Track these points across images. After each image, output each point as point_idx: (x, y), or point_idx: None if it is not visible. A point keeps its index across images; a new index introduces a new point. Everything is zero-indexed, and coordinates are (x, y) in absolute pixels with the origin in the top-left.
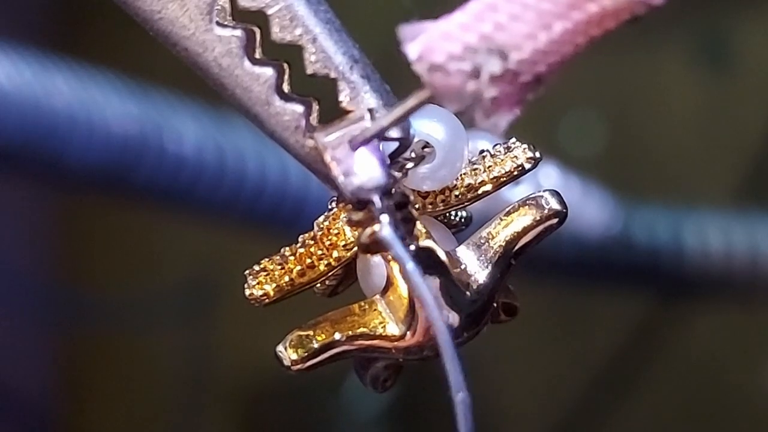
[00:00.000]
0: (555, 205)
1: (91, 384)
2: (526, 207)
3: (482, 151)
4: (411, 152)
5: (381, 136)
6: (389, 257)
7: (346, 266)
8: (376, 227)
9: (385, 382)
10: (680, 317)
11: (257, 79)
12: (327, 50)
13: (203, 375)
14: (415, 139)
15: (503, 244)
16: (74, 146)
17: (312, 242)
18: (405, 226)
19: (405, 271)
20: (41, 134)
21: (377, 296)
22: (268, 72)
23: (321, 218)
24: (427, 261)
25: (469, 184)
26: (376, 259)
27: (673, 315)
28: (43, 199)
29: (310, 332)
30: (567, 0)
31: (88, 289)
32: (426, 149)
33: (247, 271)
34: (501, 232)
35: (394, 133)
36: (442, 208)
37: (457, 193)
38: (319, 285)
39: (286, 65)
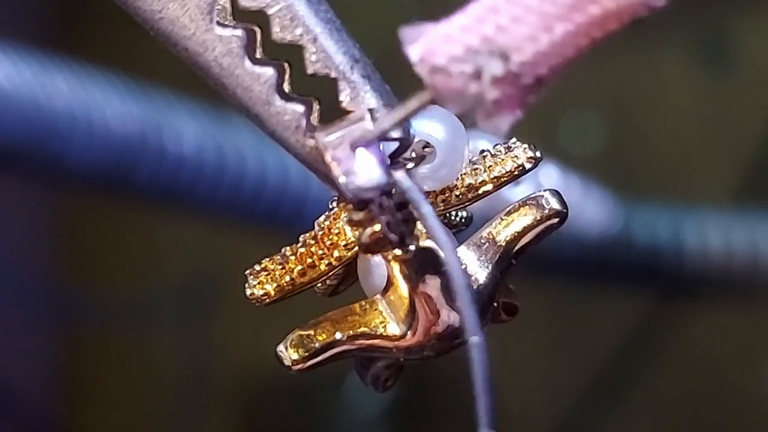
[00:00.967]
0: (555, 205)
1: (91, 384)
2: (527, 207)
3: (482, 151)
4: (411, 152)
5: (382, 138)
6: (390, 257)
7: (346, 266)
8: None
9: (386, 382)
10: (680, 316)
11: (258, 78)
12: (327, 50)
13: (203, 375)
14: (416, 139)
15: (503, 244)
16: (74, 146)
17: (313, 242)
18: (405, 226)
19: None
20: (41, 134)
21: (378, 296)
22: (269, 72)
23: (322, 218)
24: (427, 261)
25: (470, 184)
26: (377, 258)
27: (673, 314)
28: (43, 199)
29: (311, 332)
30: (569, 2)
31: (88, 289)
32: (426, 149)
33: (248, 271)
34: (501, 232)
35: (395, 133)
36: (442, 208)
37: (457, 193)
38: (319, 284)
39: (286, 65)
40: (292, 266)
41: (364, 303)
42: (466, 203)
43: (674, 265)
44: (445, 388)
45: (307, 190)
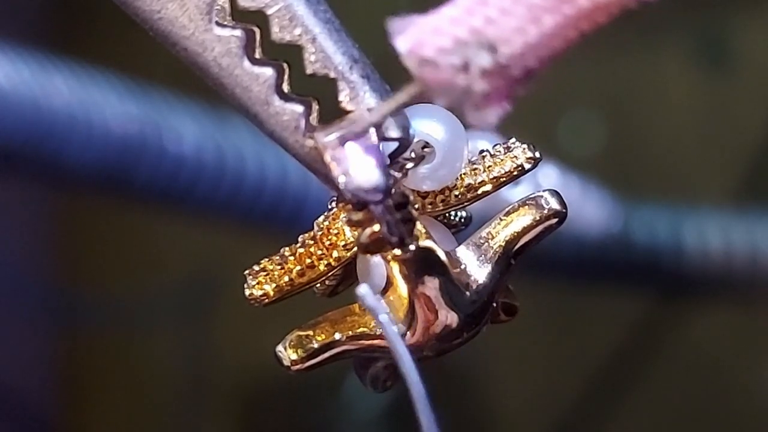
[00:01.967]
0: (555, 205)
1: (91, 384)
2: (526, 207)
3: (482, 151)
4: (411, 152)
5: (371, 130)
6: (389, 257)
7: (345, 266)
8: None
9: (385, 382)
10: (680, 316)
11: (257, 78)
12: (327, 50)
13: (203, 375)
14: (415, 139)
15: (503, 244)
16: (73, 146)
17: (312, 242)
18: (405, 226)
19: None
20: (40, 134)
21: (377, 296)
22: (268, 72)
23: (321, 218)
24: (426, 261)
25: (469, 184)
26: (376, 259)
27: (673, 314)
28: (42, 199)
29: (310, 332)
30: None
31: (88, 289)
32: (426, 149)
33: (247, 271)
34: (501, 232)
35: (394, 133)
36: (441, 208)
37: (456, 193)
38: (318, 285)
39: (285, 65)
40: (291, 267)
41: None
42: (466, 203)
43: (674, 265)
44: (445, 388)
45: (306, 191)
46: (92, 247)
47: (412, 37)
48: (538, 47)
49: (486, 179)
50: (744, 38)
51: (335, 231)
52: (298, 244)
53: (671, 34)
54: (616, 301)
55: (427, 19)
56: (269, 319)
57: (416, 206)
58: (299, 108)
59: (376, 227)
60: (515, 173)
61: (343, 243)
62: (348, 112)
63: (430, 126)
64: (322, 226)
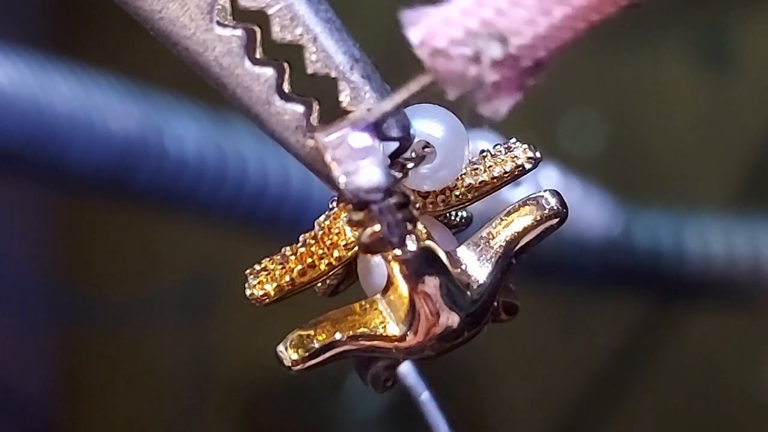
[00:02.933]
0: (555, 205)
1: (91, 384)
2: (527, 207)
3: (482, 151)
4: (411, 152)
5: (382, 121)
6: (390, 257)
7: (346, 266)
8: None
9: (386, 382)
10: (681, 320)
11: (258, 78)
12: (327, 50)
13: (203, 375)
14: (416, 139)
15: (504, 244)
16: (75, 148)
17: (313, 241)
18: (406, 226)
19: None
20: (42, 136)
21: (378, 296)
22: (269, 72)
23: (322, 217)
24: (427, 261)
25: (470, 184)
26: (377, 258)
27: (674, 317)
28: (43, 200)
29: (311, 332)
30: None
31: (89, 288)
32: (426, 149)
33: (248, 271)
34: (501, 232)
35: (395, 132)
36: (442, 208)
37: (457, 193)
38: (319, 284)
39: (286, 65)
40: (292, 266)
41: (364, 303)
42: (466, 203)
43: (675, 268)
44: (445, 388)
45: (308, 193)
46: (92, 248)
47: (424, 28)
48: (548, 38)
49: (487, 179)
50: (744, 38)
51: (336, 230)
52: (299, 244)
53: (672, 35)
54: (617, 304)
55: (438, 10)
56: (270, 319)
57: (417, 206)
58: (300, 108)
59: (377, 227)
60: (516, 173)
61: (344, 242)
62: (348, 112)
63: (430, 126)
64: (323, 225)
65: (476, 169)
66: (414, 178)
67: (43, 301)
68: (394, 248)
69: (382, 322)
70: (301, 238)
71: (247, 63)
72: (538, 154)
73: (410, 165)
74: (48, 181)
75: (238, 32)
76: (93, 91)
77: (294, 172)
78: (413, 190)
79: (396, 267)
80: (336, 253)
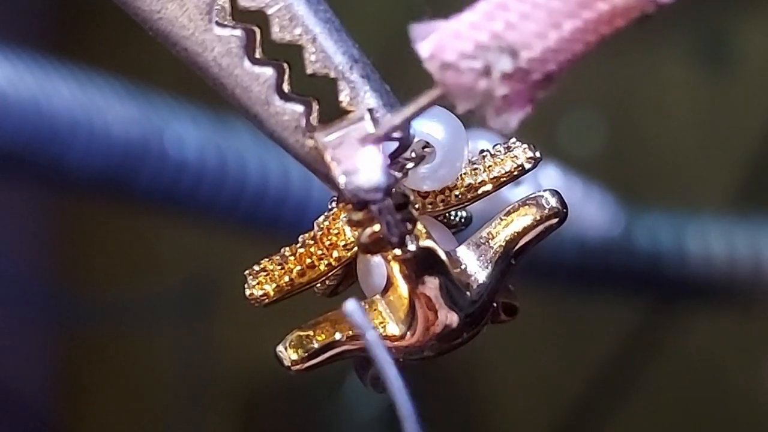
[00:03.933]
0: (555, 204)
1: (91, 384)
2: (527, 207)
3: (482, 151)
4: (411, 152)
5: (391, 134)
6: (389, 257)
7: (346, 266)
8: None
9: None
10: (682, 321)
11: (257, 78)
12: (327, 50)
13: (203, 375)
14: (415, 139)
15: (503, 244)
16: (75, 150)
17: (312, 242)
18: (405, 226)
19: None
20: (42, 138)
21: (377, 296)
22: (268, 72)
23: (321, 218)
24: (427, 261)
25: (469, 184)
26: (377, 259)
27: (675, 319)
28: (43, 200)
29: (310, 332)
30: None
31: (88, 289)
32: (426, 149)
33: (247, 271)
34: (501, 232)
35: (395, 133)
36: (442, 208)
37: (457, 193)
38: (319, 285)
39: (286, 65)
40: (292, 267)
41: (363, 303)
42: (466, 203)
43: (676, 270)
44: (445, 388)
45: (308, 194)
46: (92, 248)
47: (434, 41)
48: (558, 51)
49: (486, 179)
50: (744, 38)
51: (335, 231)
52: (299, 244)
53: (672, 35)
54: (617, 305)
55: (448, 23)
56: (269, 320)
57: (416, 206)
58: (299, 108)
59: (377, 227)
60: (516, 173)
61: (343, 243)
62: (348, 112)
63: (430, 126)
64: (322, 226)
65: (476, 169)
66: (414, 178)
67: (43, 301)
68: (393, 248)
69: (381, 323)
70: (300, 239)
71: (247, 63)
72: (537, 154)
73: (410, 165)
74: (48, 182)
75: (238, 32)
76: (93, 93)
77: (294, 174)
78: (413, 190)
79: (396, 267)
80: (335, 254)
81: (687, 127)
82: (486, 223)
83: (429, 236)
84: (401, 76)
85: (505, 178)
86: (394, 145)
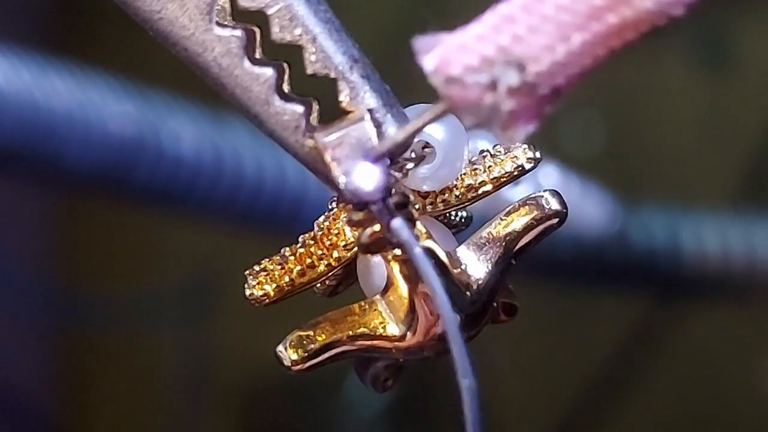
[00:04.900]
0: (555, 205)
1: (91, 384)
2: (527, 207)
3: (482, 151)
4: (411, 152)
5: (372, 132)
6: (389, 257)
7: (346, 266)
8: (376, 227)
9: (386, 382)
10: (677, 317)
11: (257, 79)
12: (327, 50)
13: (203, 374)
14: (416, 139)
15: (503, 244)
16: (72, 147)
17: (312, 242)
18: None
19: (414, 259)
20: (39, 135)
21: (377, 296)
22: (268, 72)
23: (321, 218)
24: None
25: (469, 184)
26: (377, 259)
27: (671, 315)
28: (42, 200)
29: (311, 332)
30: (586, 11)
31: (89, 288)
32: (426, 149)
33: (247, 272)
34: (501, 232)
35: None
36: (442, 208)
37: (457, 193)
38: (319, 285)
39: (286, 65)
40: (292, 267)
41: (363, 303)
42: (466, 203)
43: (671, 266)
44: (445, 388)
45: (304, 192)
46: (92, 247)
47: (439, 55)
48: (566, 65)
49: (486, 179)
50: (744, 39)
51: (336, 231)
52: (299, 244)
53: (672, 35)
54: (614, 301)
55: (453, 36)
56: (269, 319)
57: (417, 206)
58: (299, 108)
59: (377, 227)
60: (516, 173)
61: (343, 243)
62: (348, 112)
63: (430, 126)
64: (322, 226)
65: (476, 169)
66: (414, 178)
67: (44, 300)
68: (393, 248)
69: (381, 323)
70: (300, 239)
71: (247, 63)
72: (537, 154)
73: (410, 165)
74: (45, 180)
75: (238, 32)
76: (90, 90)
77: (290, 170)
78: (413, 190)
79: (396, 267)
80: (335, 254)
81: (687, 127)
82: (486, 223)
83: (429, 236)
84: (401, 76)
85: (505, 179)
86: None
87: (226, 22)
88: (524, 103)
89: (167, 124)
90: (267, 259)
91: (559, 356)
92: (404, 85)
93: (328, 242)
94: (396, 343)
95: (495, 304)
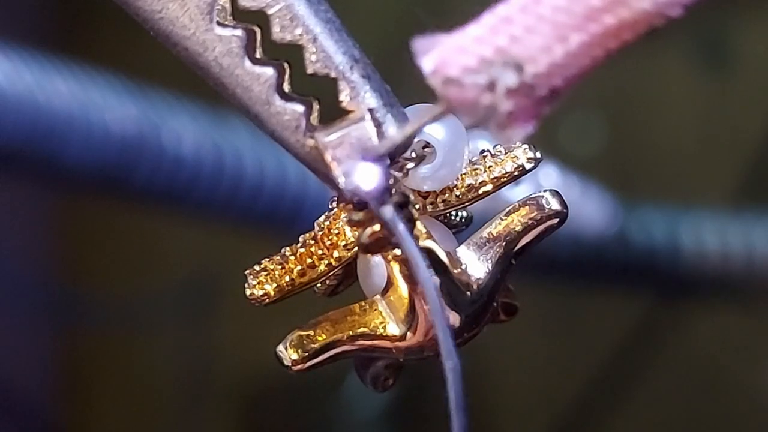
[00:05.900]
0: (555, 205)
1: (91, 384)
2: (527, 207)
3: (482, 151)
4: (411, 152)
5: (372, 131)
6: (389, 257)
7: (346, 266)
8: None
9: (386, 382)
10: (677, 317)
11: (257, 78)
12: (327, 50)
13: (203, 374)
14: (416, 139)
15: (503, 244)
16: (73, 147)
17: (312, 242)
18: (405, 226)
19: (409, 258)
20: (40, 135)
21: (378, 296)
22: (269, 72)
23: (321, 218)
24: (427, 261)
25: (470, 184)
26: (377, 259)
27: (670, 315)
28: (42, 199)
29: (311, 332)
30: (584, 12)
31: (89, 288)
32: (426, 149)
33: (248, 271)
34: (501, 232)
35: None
36: (442, 208)
37: (457, 193)
38: (319, 285)
39: (286, 65)
40: (292, 266)
41: (363, 303)
42: (466, 203)
43: (671, 266)
44: (445, 388)
45: (305, 191)
46: (92, 247)
47: (437, 56)
48: (564, 66)
49: (487, 179)
50: (744, 39)
51: (336, 231)
52: (299, 244)
53: (671, 35)
54: (613, 301)
55: (451, 38)
56: (269, 319)
57: (417, 206)
58: (300, 108)
59: (377, 227)
60: (516, 173)
61: (343, 243)
62: (348, 112)
63: (430, 126)
64: (322, 226)
65: (476, 169)
66: (414, 178)
67: (44, 300)
68: (393, 248)
69: (381, 323)
70: (300, 239)
71: (247, 63)
72: (538, 154)
73: (410, 165)
74: (45, 179)
75: (238, 32)
76: (90, 90)
77: (291, 170)
78: (413, 190)
79: (396, 267)
80: (336, 254)
81: (686, 127)
82: (486, 223)
83: (429, 236)
84: (401, 76)
85: (505, 179)
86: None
87: (226, 22)
88: (522, 103)
89: (168, 123)
90: (267, 259)
91: (558, 356)
92: (404, 85)
93: (328, 242)
94: (396, 342)
95: (495, 304)
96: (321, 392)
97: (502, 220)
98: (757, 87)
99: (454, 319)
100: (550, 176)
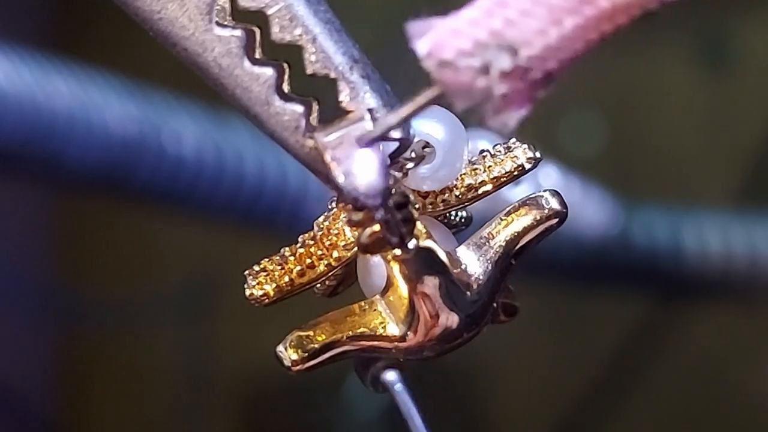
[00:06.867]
0: (555, 205)
1: (91, 384)
2: (527, 207)
3: (482, 151)
4: (411, 152)
5: (386, 135)
6: (389, 257)
7: (346, 266)
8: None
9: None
10: (679, 318)
11: (257, 79)
12: (327, 50)
13: (203, 375)
14: (415, 139)
15: (503, 244)
16: (73, 147)
17: (312, 242)
18: (405, 227)
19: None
20: (40, 135)
21: (377, 296)
22: (268, 72)
23: (321, 218)
24: (427, 261)
25: (470, 184)
26: (376, 259)
27: (672, 316)
28: (43, 200)
29: (311, 332)
30: None
31: (89, 288)
32: (426, 149)
33: (247, 272)
34: (501, 232)
35: (395, 133)
36: (442, 208)
37: (457, 193)
38: (319, 285)
39: (286, 65)
40: (291, 267)
41: (363, 304)
42: (466, 203)
43: (673, 266)
44: (445, 388)
45: (305, 192)
46: (92, 247)
47: (431, 39)
48: (558, 49)
49: (486, 179)
50: (744, 38)
51: (335, 231)
52: (299, 245)
53: (671, 35)
54: (615, 302)
55: (446, 21)
56: (269, 320)
57: (417, 206)
58: (299, 108)
59: (377, 227)
60: (516, 173)
61: (343, 243)
62: (348, 112)
63: (430, 126)
64: (322, 226)
65: (476, 169)
66: (414, 178)
67: (43, 301)
68: (393, 248)
69: (381, 323)
70: (300, 239)
71: (247, 63)
72: (538, 154)
73: (410, 165)
74: (46, 179)
75: (238, 33)
76: (91, 90)
77: (291, 171)
78: (413, 190)
79: (396, 267)
80: (335, 254)
81: (687, 126)
82: (486, 223)
83: (429, 236)
84: (401, 76)
85: (505, 179)
86: (394, 145)
87: (226, 22)
88: (516, 87)
89: (168, 124)
90: (267, 259)
91: (560, 357)
92: (404, 85)
93: (327, 242)
94: (396, 343)
95: (495, 304)
96: (321, 393)
97: (502, 220)
98: (758, 86)
99: (454, 319)
100: (550, 176)
